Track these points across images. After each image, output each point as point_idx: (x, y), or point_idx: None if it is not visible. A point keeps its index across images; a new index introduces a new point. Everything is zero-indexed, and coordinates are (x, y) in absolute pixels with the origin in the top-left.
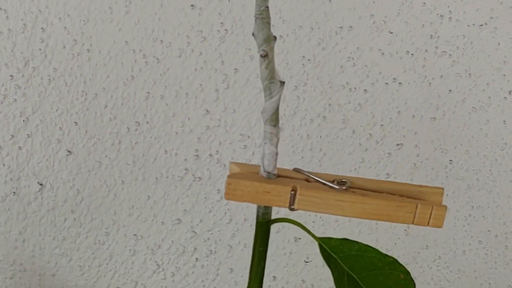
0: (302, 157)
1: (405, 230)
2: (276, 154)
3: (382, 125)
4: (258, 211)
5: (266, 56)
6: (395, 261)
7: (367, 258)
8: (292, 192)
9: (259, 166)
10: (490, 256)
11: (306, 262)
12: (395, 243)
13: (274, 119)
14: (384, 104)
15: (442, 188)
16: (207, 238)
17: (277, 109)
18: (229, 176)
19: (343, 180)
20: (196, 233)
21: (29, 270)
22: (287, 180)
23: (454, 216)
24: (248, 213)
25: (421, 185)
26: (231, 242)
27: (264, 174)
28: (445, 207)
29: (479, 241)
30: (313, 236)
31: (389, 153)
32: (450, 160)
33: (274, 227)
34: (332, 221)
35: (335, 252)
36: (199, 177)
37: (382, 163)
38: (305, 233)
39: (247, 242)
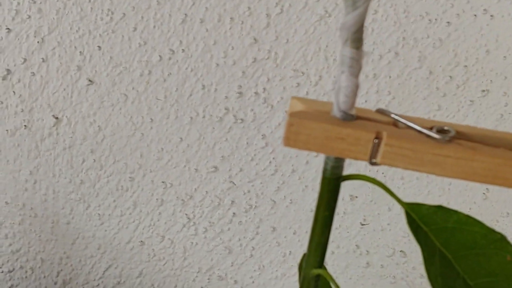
0: (366, 101)
1: (484, 193)
2: (357, 87)
3: (465, 66)
4: (326, 164)
5: None
6: (502, 238)
7: (467, 232)
8: (376, 140)
9: (331, 103)
10: None
11: (362, 224)
12: (470, 208)
13: (356, 40)
14: (470, 41)
15: None
16: (247, 191)
17: (361, 26)
18: (291, 115)
19: (445, 127)
20: (235, 184)
21: (40, 216)
22: (369, 124)
23: None
24: (297, 163)
25: None
26: (275, 197)
27: (338, 115)
28: None
29: None
30: (399, 201)
31: (471, 101)
32: None
33: None
34: (397, 178)
35: (426, 223)
36: (241, 119)
37: (462, 112)
38: (363, 191)
39: (293, 197)
